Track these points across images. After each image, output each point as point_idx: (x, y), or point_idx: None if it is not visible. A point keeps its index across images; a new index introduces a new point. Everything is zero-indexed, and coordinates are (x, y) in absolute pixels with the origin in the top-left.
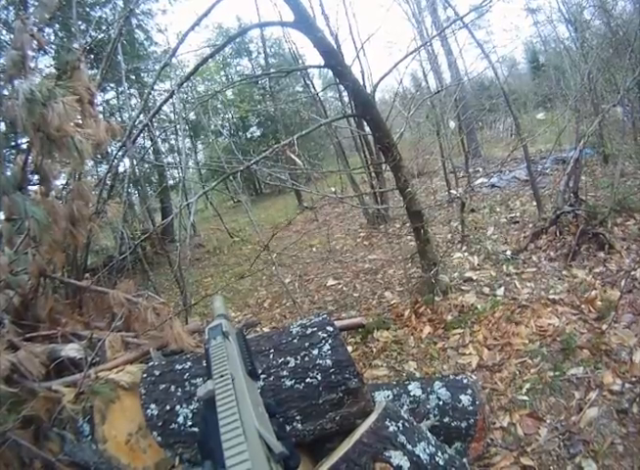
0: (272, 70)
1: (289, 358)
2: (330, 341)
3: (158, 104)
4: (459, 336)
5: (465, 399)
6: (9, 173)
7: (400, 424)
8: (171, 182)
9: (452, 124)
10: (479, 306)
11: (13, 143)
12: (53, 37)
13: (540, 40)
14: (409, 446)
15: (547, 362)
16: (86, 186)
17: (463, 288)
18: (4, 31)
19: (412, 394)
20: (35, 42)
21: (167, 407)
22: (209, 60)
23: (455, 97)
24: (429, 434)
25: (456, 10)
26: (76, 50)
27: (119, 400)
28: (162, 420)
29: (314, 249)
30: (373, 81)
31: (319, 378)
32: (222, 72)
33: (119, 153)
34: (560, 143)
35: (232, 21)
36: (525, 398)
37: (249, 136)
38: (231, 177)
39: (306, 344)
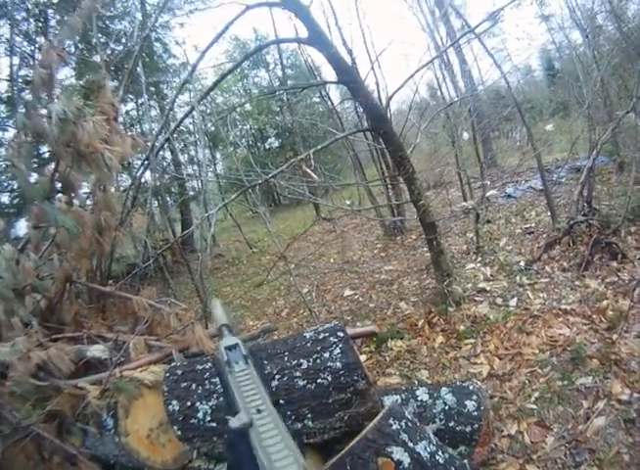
0: (290, 86)
1: (302, 360)
2: (340, 345)
3: (177, 116)
4: (471, 346)
5: (470, 404)
6: (37, 184)
7: (403, 423)
8: (192, 193)
9: (466, 136)
10: (491, 317)
11: (35, 152)
12: (73, 49)
13: (555, 47)
14: (410, 444)
15: (556, 372)
16: (113, 198)
17: (476, 298)
18: (25, 43)
19: (419, 398)
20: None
21: (188, 403)
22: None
23: (469, 107)
24: (431, 434)
25: (467, 21)
26: (100, 69)
27: (143, 398)
28: (183, 415)
29: (331, 260)
30: (388, 93)
31: (329, 379)
32: (240, 84)
33: (142, 166)
34: (576, 151)
35: (249, 32)
36: (534, 406)
37: (267, 147)
38: (250, 189)
39: (318, 347)
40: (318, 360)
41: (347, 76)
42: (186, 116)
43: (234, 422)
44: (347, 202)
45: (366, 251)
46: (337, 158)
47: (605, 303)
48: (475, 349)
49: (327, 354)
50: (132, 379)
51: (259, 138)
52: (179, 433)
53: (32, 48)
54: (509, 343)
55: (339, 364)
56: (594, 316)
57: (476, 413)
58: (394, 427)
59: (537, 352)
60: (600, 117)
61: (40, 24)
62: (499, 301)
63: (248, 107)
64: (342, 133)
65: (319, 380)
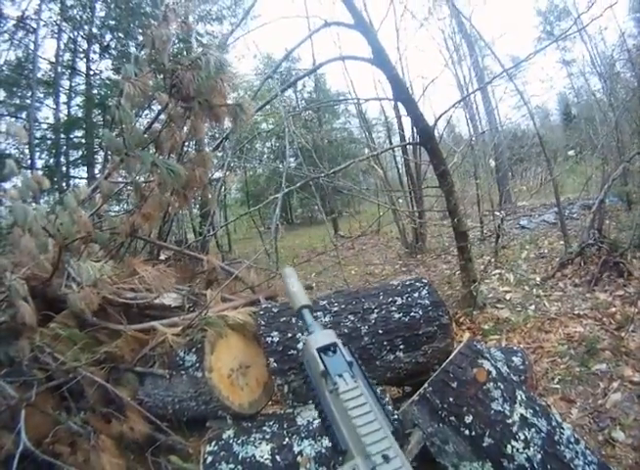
0: (355, 97)
1: (396, 298)
2: (426, 288)
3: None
4: (496, 341)
5: (516, 359)
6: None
7: (482, 346)
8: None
9: (492, 164)
10: (512, 319)
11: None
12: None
13: (573, 92)
14: (492, 361)
15: (574, 361)
16: (209, 156)
17: (497, 306)
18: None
19: None
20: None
21: (289, 335)
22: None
23: (494, 141)
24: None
25: (502, 62)
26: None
27: (226, 338)
28: (283, 346)
29: (353, 272)
30: None
31: (420, 313)
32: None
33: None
34: (588, 191)
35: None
36: (557, 386)
37: (286, 166)
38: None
39: (408, 289)
40: (409, 298)
41: (404, 95)
42: (270, 100)
43: None
44: (400, 200)
45: (387, 266)
46: (358, 184)
47: (613, 309)
48: (500, 343)
49: (416, 294)
50: (220, 316)
51: (280, 156)
52: (274, 365)
53: (75, 34)
54: (530, 339)
55: (427, 301)
56: (604, 319)
57: (521, 367)
58: (479, 346)
59: (556, 345)
60: (613, 157)
61: (86, 15)
62: (518, 307)
63: (271, 125)
64: (393, 145)
65: (412, 313)
